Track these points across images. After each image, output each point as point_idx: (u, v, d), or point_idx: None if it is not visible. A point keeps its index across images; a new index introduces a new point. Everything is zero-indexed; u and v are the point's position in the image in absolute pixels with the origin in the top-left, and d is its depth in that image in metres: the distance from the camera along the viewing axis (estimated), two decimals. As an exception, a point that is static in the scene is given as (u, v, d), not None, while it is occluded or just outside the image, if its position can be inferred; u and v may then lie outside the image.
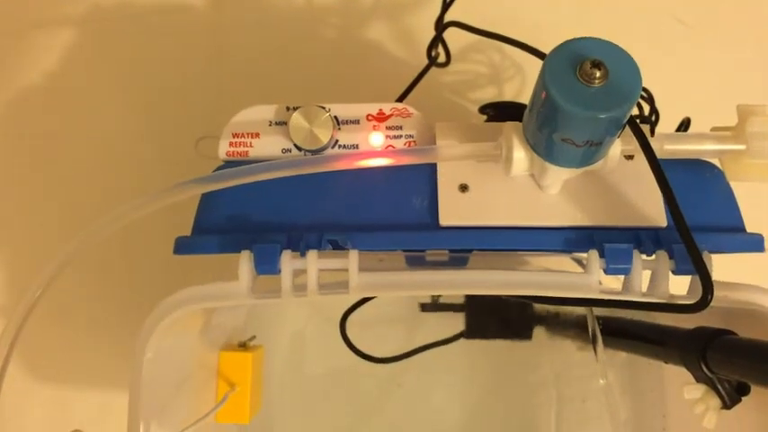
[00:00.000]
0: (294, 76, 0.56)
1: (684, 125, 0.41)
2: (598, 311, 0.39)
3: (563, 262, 0.48)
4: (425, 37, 0.56)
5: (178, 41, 0.57)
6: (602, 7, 0.58)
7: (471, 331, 0.47)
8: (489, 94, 0.57)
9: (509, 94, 0.57)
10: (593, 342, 0.39)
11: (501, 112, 0.41)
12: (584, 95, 0.23)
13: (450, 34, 0.44)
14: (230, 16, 0.57)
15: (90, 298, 0.52)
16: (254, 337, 0.38)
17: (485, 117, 0.42)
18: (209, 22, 0.57)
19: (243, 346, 0.37)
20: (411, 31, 0.57)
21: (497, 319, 0.47)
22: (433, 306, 0.48)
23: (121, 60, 0.57)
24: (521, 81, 0.57)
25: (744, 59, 0.57)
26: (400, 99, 0.42)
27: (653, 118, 0.44)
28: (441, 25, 0.44)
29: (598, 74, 0.23)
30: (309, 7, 0.57)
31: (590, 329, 0.38)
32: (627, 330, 0.36)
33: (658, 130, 0.43)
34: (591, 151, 0.25)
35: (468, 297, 0.47)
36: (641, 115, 0.43)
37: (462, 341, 0.47)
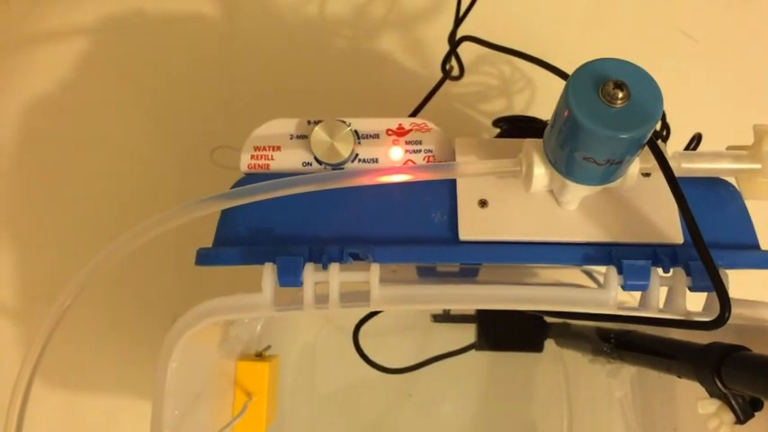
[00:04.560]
0: (306, 87, 0.57)
1: (695, 141, 0.42)
2: (611, 325, 0.39)
3: (573, 273, 0.49)
4: (437, 46, 0.56)
5: (191, 51, 0.58)
6: (612, 21, 0.59)
7: (482, 343, 0.47)
8: (499, 106, 0.57)
9: (519, 106, 0.57)
10: (605, 355, 0.39)
11: (514, 125, 0.41)
12: (606, 116, 0.24)
13: (461, 46, 0.44)
14: (242, 26, 0.58)
15: (99, 305, 0.53)
16: (269, 347, 0.39)
17: (498, 130, 0.42)
18: (221, 31, 0.58)
19: (259, 355, 0.37)
20: (422, 41, 0.58)
21: (509, 330, 0.47)
22: (445, 317, 0.48)
23: (134, 69, 0.57)
24: (531, 93, 0.57)
25: (752, 73, 0.58)
26: (415, 112, 0.43)
27: (664, 133, 0.44)
28: (454, 40, 0.44)
29: (620, 94, 0.24)
30: (321, 18, 0.58)
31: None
32: (640, 344, 0.36)
33: (669, 144, 0.44)
34: (611, 170, 0.26)
35: (480, 309, 0.48)
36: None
37: (473, 352, 0.48)
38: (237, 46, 0.58)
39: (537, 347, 0.47)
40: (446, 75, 0.45)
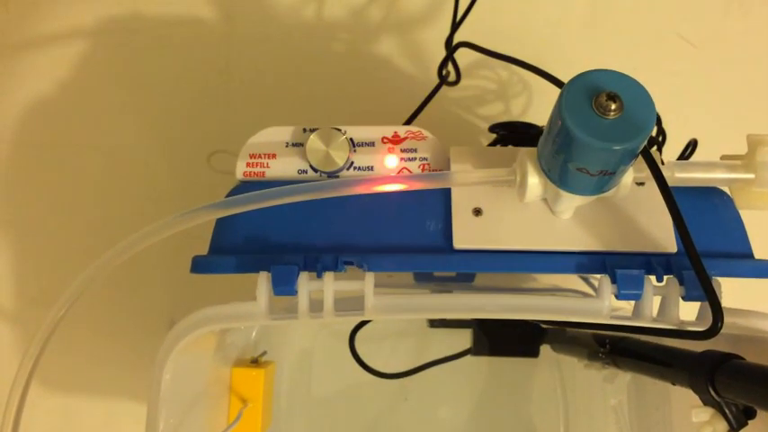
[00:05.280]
0: (304, 90, 0.57)
1: (691, 147, 0.42)
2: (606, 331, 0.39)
3: (569, 277, 0.49)
4: (434, 50, 0.56)
5: (189, 54, 0.58)
6: (609, 26, 0.59)
7: (479, 348, 0.47)
8: (497, 110, 0.57)
9: (516, 110, 0.57)
10: (601, 360, 0.39)
11: (511, 131, 0.41)
12: (599, 127, 0.24)
13: (459, 50, 0.44)
14: (241, 30, 0.58)
15: (97, 308, 0.53)
16: (265, 353, 0.39)
17: (495, 135, 0.42)
18: (219, 35, 0.58)
19: (255, 362, 0.37)
20: (420, 45, 0.58)
21: (505, 336, 0.47)
22: (442, 322, 0.48)
23: (132, 73, 0.57)
24: (528, 97, 0.57)
25: (749, 79, 0.58)
26: (412, 117, 0.43)
27: (660, 139, 0.44)
28: (451, 45, 0.44)
29: (613, 106, 0.24)
30: (320, 22, 0.58)
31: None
32: (635, 351, 0.36)
33: (666, 150, 0.44)
34: (604, 180, 0.26)
35: (476, 314, 0.48)
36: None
37: (469, 356, 0.48)
38: (235, 49, 0.58)
39: (533, 353, 0.47)
40: (443, 80, 0.45)
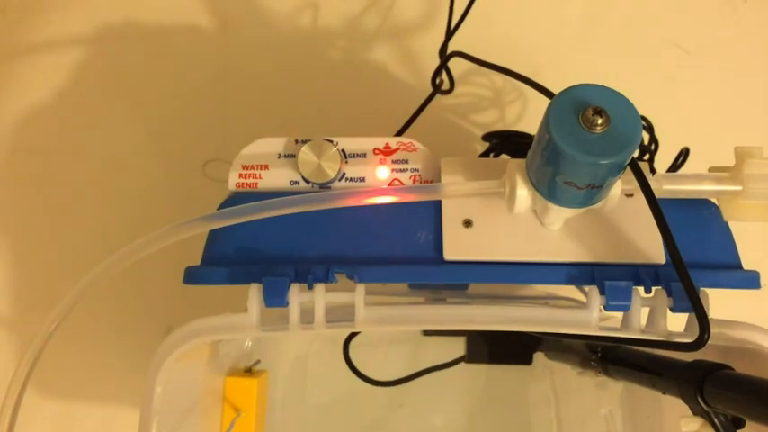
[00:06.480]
0: (299, 98, 0.57)
1: (683, 155, 0.42)
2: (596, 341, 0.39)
3: (564, 285, 0.49)
4: (429, 57, 0.57)
5: (184, 62, 0.58)
6: (603, 33, 0.59)
7: (472, 355, 0.48)
8: (491, 117, 0.57)
9: (511, 118, 0.57)
10: (593, 368, 0.39)
11: (504, 140, 0.41)
12: (585, 142, 0.24)
13: (453, 58, 0.44)
14: (237, 37, 0.58)
15: (95, 313, 0.53)
16: (258, 362, 0.39)
17: (488, 144, 0.43)
18: (215, 43, 0.58)
19: (248, 371, 0.37)
20: (416, 53, 0.58)
21: (498, 343, 0.47)
22: (435, 330, 0.49)
23: (129, 79, 0.57)
24: (522, 104, 0.58)
25: (744, 86, 0.58)
26: (405, 127, 0.43)
27: (652, 147, 0.44)
28: (445, 55, 0.45)
29: (600, 121, 0.24)
30: (315, 31, 0.58)
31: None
32: (626, 359, 0.36)
33: (658, 157, 0.44)
34: (592, 193, 0.26)
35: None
36: (641, 144, 0.43)
37: (463, 363, 0.48)
38: (231, 57, 0.58)
39: (526, 360, 0.47)
40: (436, 89, 0.46)
